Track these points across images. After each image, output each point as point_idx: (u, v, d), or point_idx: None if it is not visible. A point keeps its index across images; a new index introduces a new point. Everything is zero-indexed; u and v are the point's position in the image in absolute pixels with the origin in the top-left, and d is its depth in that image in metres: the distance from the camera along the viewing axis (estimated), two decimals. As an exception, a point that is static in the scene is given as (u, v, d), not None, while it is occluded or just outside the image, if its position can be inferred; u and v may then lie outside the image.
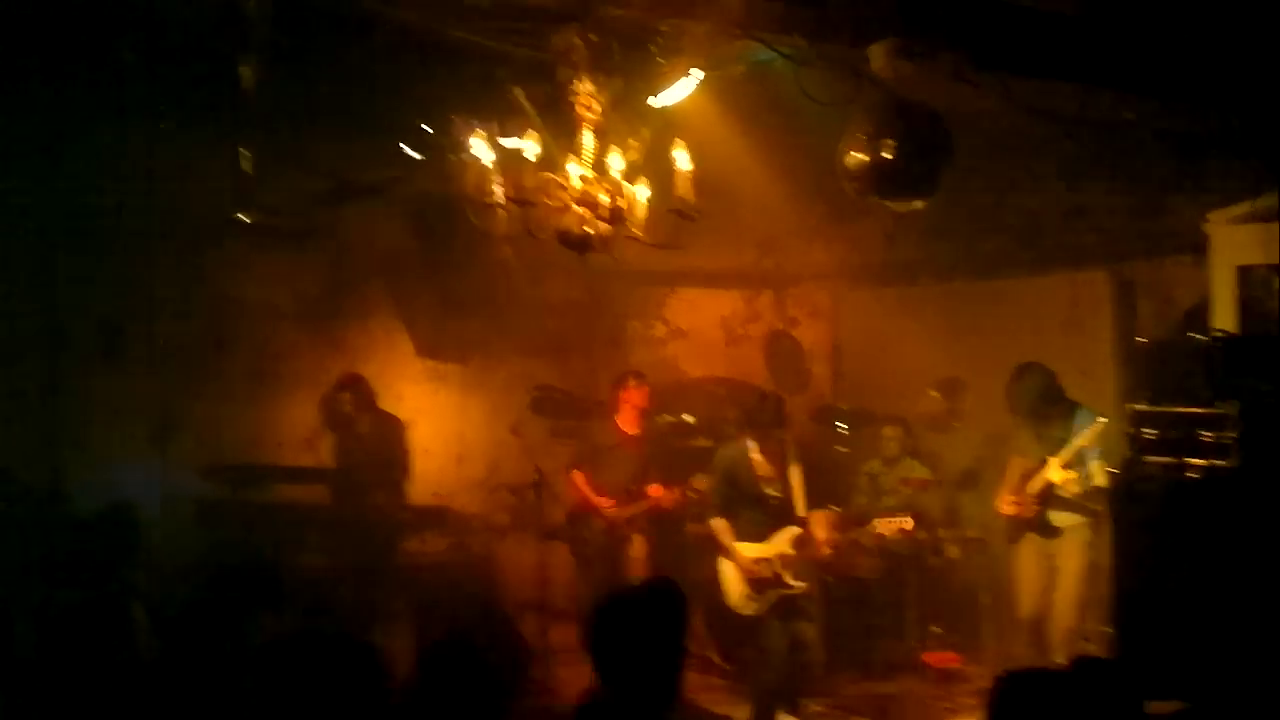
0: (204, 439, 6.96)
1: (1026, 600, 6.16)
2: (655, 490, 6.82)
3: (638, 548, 6.94)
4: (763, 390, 6.11)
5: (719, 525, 5.92)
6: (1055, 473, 5.83)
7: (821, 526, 5.81)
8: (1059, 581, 6.00)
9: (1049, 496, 5.98)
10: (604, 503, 6.87)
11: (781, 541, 5.74)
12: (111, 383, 6.79)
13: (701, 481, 6.57)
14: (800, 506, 5.77)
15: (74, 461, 6.55)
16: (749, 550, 5.79)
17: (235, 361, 7.30)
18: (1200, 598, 4.68)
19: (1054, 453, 5.93)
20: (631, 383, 7.04)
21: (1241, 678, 3.92)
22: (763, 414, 5.73)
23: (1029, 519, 6.07)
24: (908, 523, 6.24)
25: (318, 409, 7.17)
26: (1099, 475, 5.82)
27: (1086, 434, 5.76)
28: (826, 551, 5.78)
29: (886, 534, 6.26)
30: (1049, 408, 6.02)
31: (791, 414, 6.07)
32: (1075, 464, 5.87)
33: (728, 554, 5.85)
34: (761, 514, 5.82)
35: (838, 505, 6.62)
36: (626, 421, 7.06)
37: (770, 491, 5.79)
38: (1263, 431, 4.74)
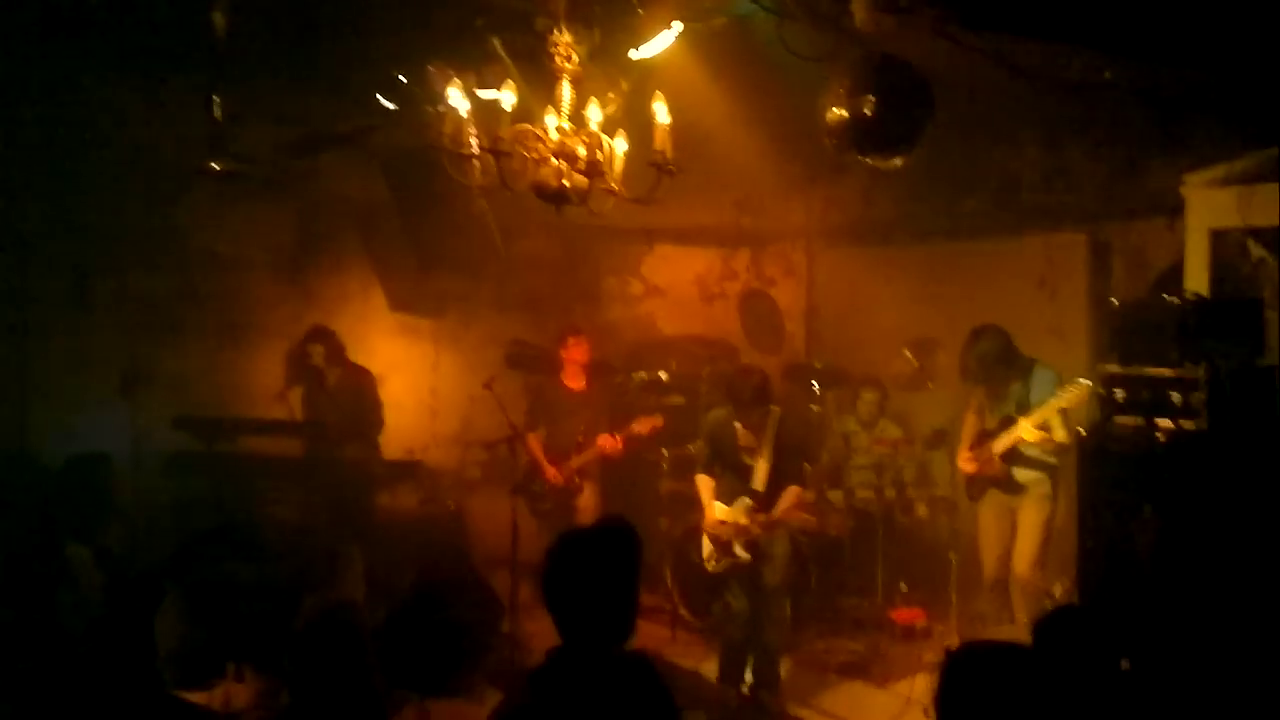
0: (174, 391, 6.91)
1: (989, 556, 6.21)
2: (602, 440, 6.90)
3: (587, 498, 7.07)
4: (747, 366, 6.07)
5: (702, 481, 5.99)
6: (1028, 431, 5.85)
7: (784, 501, 5.80)
8: (1018, 535, 6.05)
9: (1015, 454, 6.01)
10: (549, 470, 6.96)
11: (738, 510, 5.78)
12: (80, 333, 6.71)
13: (642, 425, 6.85)
14: (759, 479, 5.77)
15: (42, 411, 6.49)
16: (719, 511, 5.84)
17: (206, 313, 7.24)
18: (1166, 558, 4.74)
19: (1016, 411, 5.93)
20: (570, 339, 7.13)
21: (1203, 636, 3.98)
22: (744, 391, 5.69)
23: (993, 476, 6.10)
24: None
25: (286, 361, 7.11)
26: (1060, 431, 5.84)
27: (1068, 396, 5.76)
28: (756, 530, 5.71)
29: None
30: (1006, 369, 6.02)
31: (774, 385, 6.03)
32: (1046, 426, 5.88)
33: (705, 509, 5.91)
34: (738, 480, 5.85)
35: (810, 463, 6.65)
36: (570, 376, 7.14)
37: (748, 460, 5.81)
38: (1231, 394, 4.80)
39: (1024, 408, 5.91)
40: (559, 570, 2.80)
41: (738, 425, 5.79)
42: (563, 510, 6.98)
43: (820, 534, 7.10)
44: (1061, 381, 5.90)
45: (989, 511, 6.22)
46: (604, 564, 2.81)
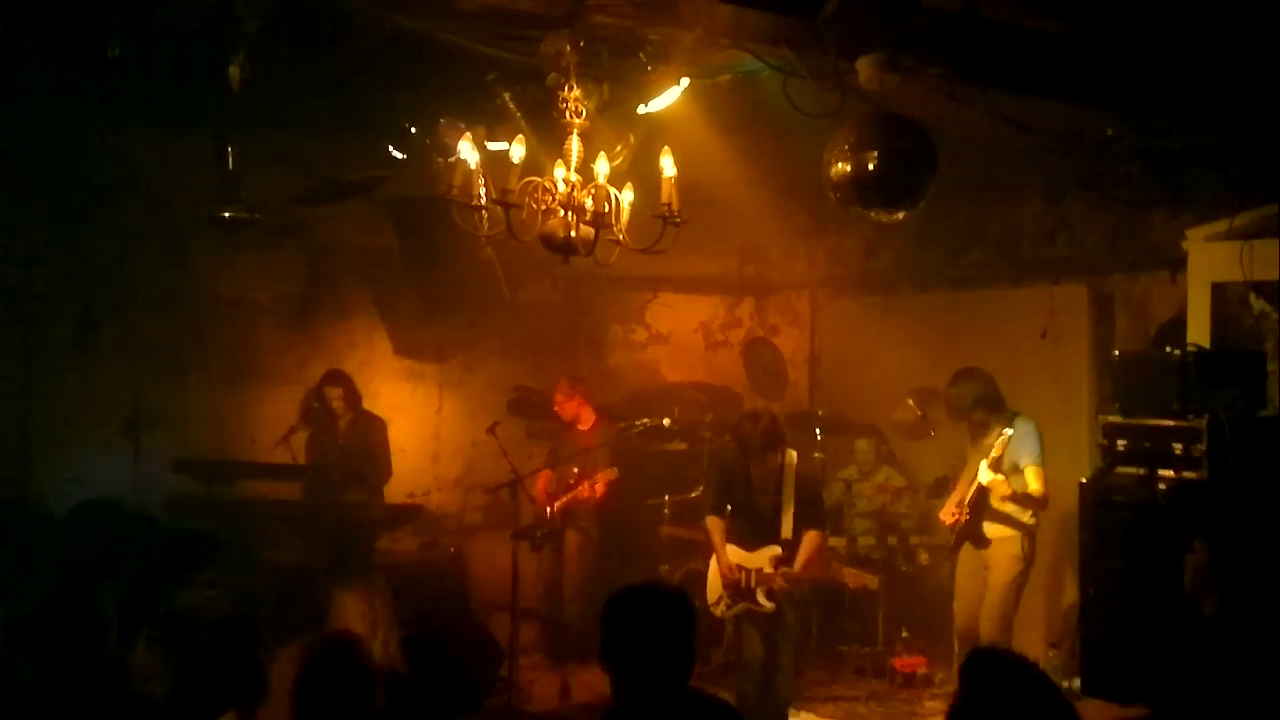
0: (178, 433, 6.93)
1: (960, 610, 6.12)
2: (582, 486, 7.06)
3: (570, 541, 7.24)
4: (756, 411, 6.03)
5: (712, 523, 5.89)
6: (984, 473, 5.78)
7: (806, 547, 5.69)
8: (987, 593, 5.96)
9: (981, 504, 5.94)
10: (540, 499, 7.16)
11: (762, 557, 5.69)
12: (85, 375, 6.75)
13: (612, 473, 7.04)
14: (787, 527, 5.69)
15: (45, 453, 6.51)
16: (734, 555, 5.77)
17: (211, 357, 7.28)
18: (1167, 607, 4.74)
19: (989, 462, 5.86)
20: (563, 385, 7.44)
21: (1206, 686, 3.96)
22: (754, 435, 5.59)
23: (963, 527, 6.04)
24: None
25: (300, 404, 7.14)
26: (1034, 482, 5.79)
27: (1000, 440, 5.72)
28: (784, 584, 5.63)
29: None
30: (988, 414, 5.96)
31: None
32: (1006, 469, 5.81)
33: (716, 551, 5.85)
34: (752, 523, 5.78)
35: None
36: (565, 414, 7.43)
37: (761, 505, 5.76)
38: (1232, 444, 4.82)
39: (997, 460, 5.83)
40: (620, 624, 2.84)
41: (751, 468, 5.75)
42: (552, 550, 7.19)
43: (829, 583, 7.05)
44: (1039, 434, 5.88)
45: (963, 566, 6.15)
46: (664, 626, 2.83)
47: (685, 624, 2.85)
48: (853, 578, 6.14)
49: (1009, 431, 5.78)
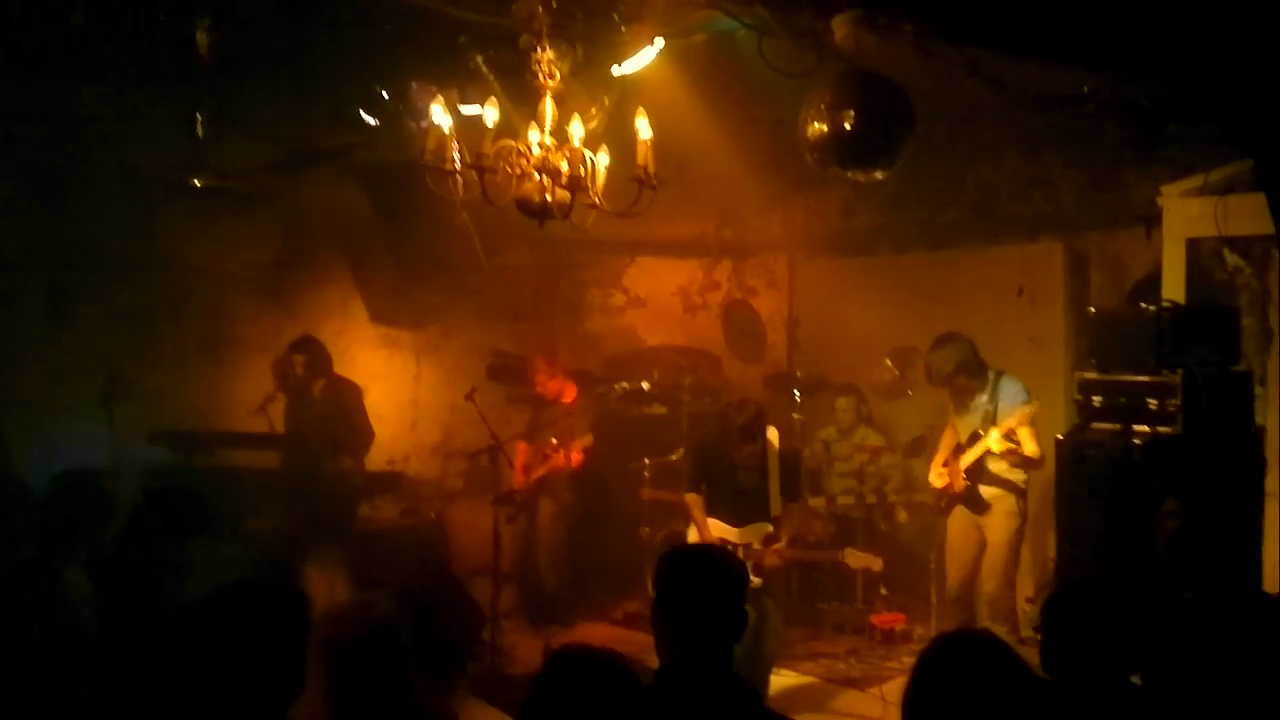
0: (153, 403, 6.88)
1: (953, 572, 6.18)
2: (557, 455, 7.06)
3: (544, 509, 7.26)
4: (742, 400, 5.96)
5: (692, 499, 5.85)
6: (995, 443, 5.82)
7: (790, 525, 5.70)
8: (987, 551, 6.02)
9: (981, 470, 5.98)
10: (517, 475, 7.18)
11: (751, 534, 5.65)
12: (59, 346, 6.68)
13: (587, 439, 7.05)
14: (776, 504, 5.66)
15: (19, 425, 6.44)
16: (718, 530, 5.75)
17: (186, 326, 7.21)
18: (1143, 561, 4.80)
19: (982, 424, 5.91)
20: (543, 365, 7.42)
21: (1181, 642, 4.02)
22: (737, 427, 5.54)
23: (959, 493, 6.07)
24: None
25: (273, 373, 7.08)
26: (1031, 445, 5.83)
27: (1019, 415, 5.75)
28: (777, 560, 5.63)
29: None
30: (969, 379, 6.00)
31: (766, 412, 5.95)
32: (1012, 436, 5.84)
33: (699, 527, 5.83)
34: (738, 500, 5.73)
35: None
36: (548, 393, 7.39)
37: (745, 480, 5.73)
38: (1206, 399, 4.86)
39: (990, 420, 5.89)
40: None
41: (733, 451, 5.66)
42: (528, 518, 7.23)
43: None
44: (1027, 392, 5.90)
45: (956, 528, 6.19)
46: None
47: (737, 585, 2.89)
48: (855, 559, 6.14)
49: (1030, 401, 5.80)
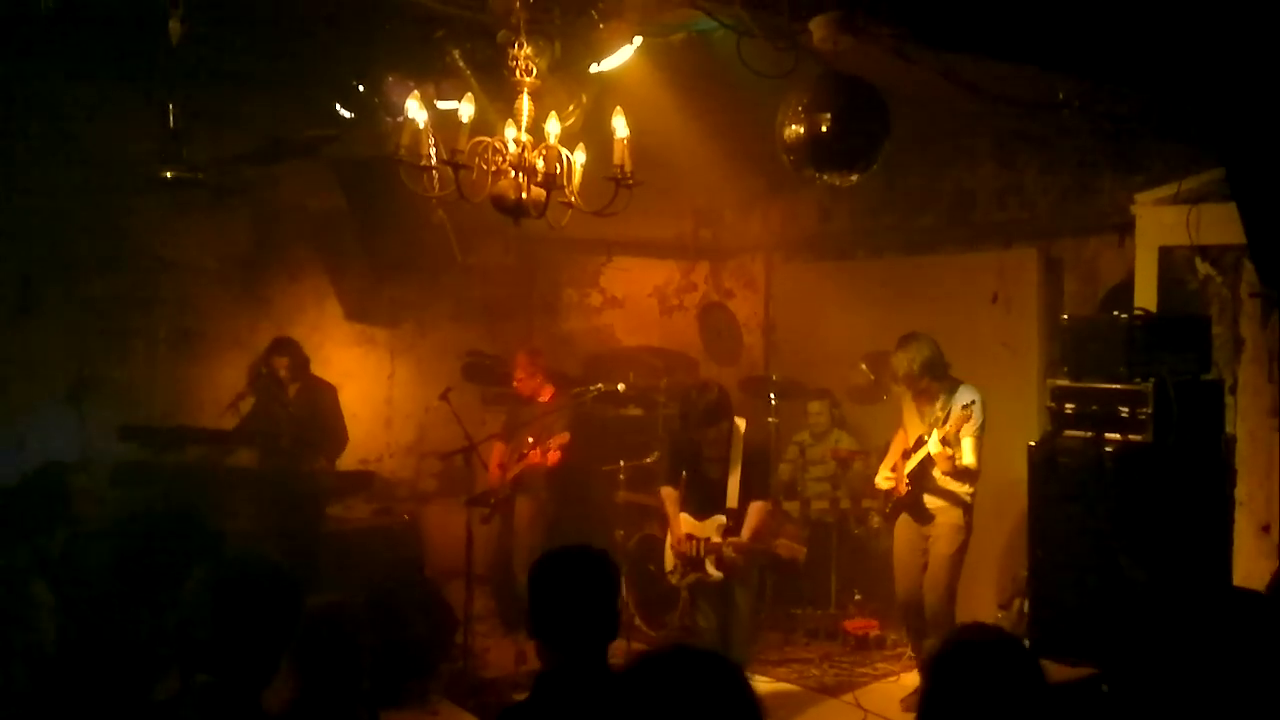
0: (124, 398, 6.81)
1: (901, 581, 6.05)
2: (532, 453, 6.95)
3: (521, 510, 7.15)
4: (705, 382, 5.97)
5: (666, 493, 5.89)
6: (934, 444, 5.71)
7: (751, 517, 5.67)
8: (930, 564, 5.90)
9: (924, 476, 5.86)
10: (492, 473, 7.09)
11: (709, 527, 5.70)
12: (27, 340, 6.59)
13: (564, 436, 6.93)
14: (733, 496, 5.68)
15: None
16: (687, 524, 5.76)
17: (158, 321, 7.14)
18: (1114, 568, 4.82)
19: (929, 429, 5.80)
20: (523, 362, 7.33)
21: (1152, 646, 4.03)
22: (699, 406, 5.56)
23: (904, 498, 5.96)
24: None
25: (247, 373, 7.02)
26: (969, 454, 5.70)
27: (955, 418, 5.64)
28: (732, 553, 5.61)
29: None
30: (933, 380, 5.85)
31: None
32: (953, 441, 5.71)
33: (670, 521, 5.84)
34: (701, 491, 5.77)
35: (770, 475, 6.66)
36: (525, 390, 7.32)
37: (713, 473, 5.74)
38: (1177, 408, 4.89)
39: (939, 425, 5.75)
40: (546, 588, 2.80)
41: (698, 438, 5.73)
42: (504, 520, 7.13)
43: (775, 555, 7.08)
44: (979, 400, 5.71)
45: (902, 537, 6.05)
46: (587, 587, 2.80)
47: (606, 586, 2.83)
48: (785, 549, 6.15)
49: (975, 403, 5.68)
